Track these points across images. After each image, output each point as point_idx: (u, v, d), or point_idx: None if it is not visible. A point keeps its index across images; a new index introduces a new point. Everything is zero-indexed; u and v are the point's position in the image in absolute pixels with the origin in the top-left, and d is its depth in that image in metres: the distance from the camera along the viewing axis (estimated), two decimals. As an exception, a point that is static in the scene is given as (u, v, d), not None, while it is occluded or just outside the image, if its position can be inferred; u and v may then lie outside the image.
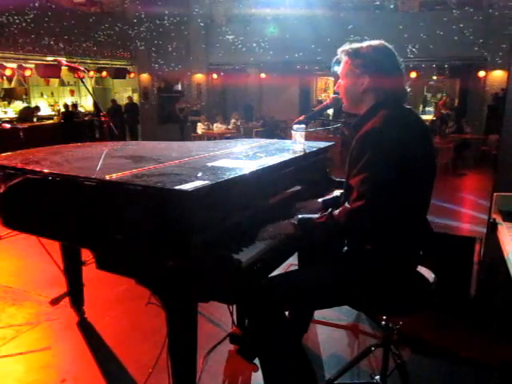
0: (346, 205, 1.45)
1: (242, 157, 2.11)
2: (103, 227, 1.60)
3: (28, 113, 11.19)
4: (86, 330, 2.64)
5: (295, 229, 1.60)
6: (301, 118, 2.11)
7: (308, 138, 2.28)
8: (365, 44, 1.59)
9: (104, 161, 2.03)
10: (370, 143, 1.44)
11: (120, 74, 12.59)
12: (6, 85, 12.28)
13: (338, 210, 1.48)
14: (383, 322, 1.84)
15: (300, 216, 1.61)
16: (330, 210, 1.52)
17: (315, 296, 1.62)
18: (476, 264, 2.68)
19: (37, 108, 11.71)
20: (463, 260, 2.67)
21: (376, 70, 1.55)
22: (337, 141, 8.68)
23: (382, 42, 1.60)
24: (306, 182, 2.15)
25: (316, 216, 1.55)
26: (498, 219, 2.18)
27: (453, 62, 11.38)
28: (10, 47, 9.74)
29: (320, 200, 1.97)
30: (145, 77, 13.52)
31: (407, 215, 1.51)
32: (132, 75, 12.98)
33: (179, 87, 14.04)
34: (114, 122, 3.48)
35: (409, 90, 1.63)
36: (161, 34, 12.33)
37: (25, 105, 11.98)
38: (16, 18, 9.53)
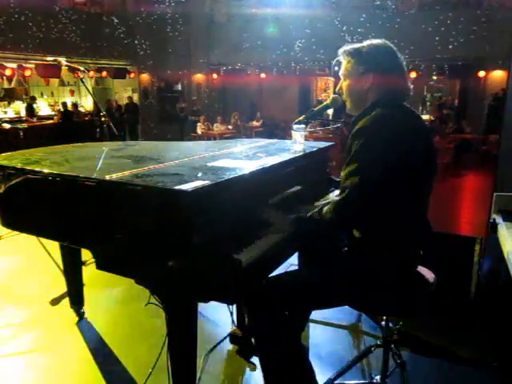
0: (334, 197, 1.48)
1: (242, 157, 2.11)
2: (103, 227, 1.60)
3: (29, 107, 11.28)
4: (86, 330, 2.64)
5: (294, 226, 1.63)
6: (301, 118, 2.11)
7: (308, 138, 2.28)
8: (366, 43, 1.58)
9: (104, 161, 2.03)
10: (359, 139, 1.45)
11: (120, 74, 12.59)
12: (6, 85, 12.30)
13: (327, 206, 1.51)
14: (383, 322, 1.84)
15: (300, 214, 1.64)
16: (321, 205, 1.54)
17: (315, 296, 1.62)
18: (476, 264, 2.68)
19: (32, 98, 11.77)
20: (463, 260, 2.67)
21: (379, 67, 1.54)
22: (337, 141, 8.65)
23: (384, 40, 1.59)
24: (305, 182, 2.15)
25: (309, 214, 1.58)
26: (498, 219, 2.18)
27: (453, 62, 11.38)
28: (10, 47, 9.74)
29: (319, 204, 1.97)
30: (145, 77, 13.52)
31: (406, 215, 1.50)
32: (132, 75, 12.98)
33: (179, 87, 14.04)
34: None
35: (411, 86, 1.61)
36: (161, 34, 12.34)
37: (25, 105, 12.01)
38: (16, 17, 9.54)
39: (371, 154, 1.41)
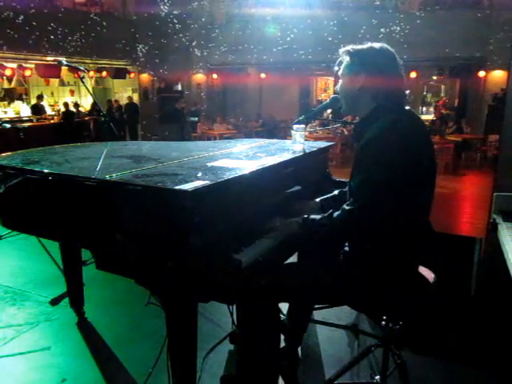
0: (345, 206, 1.47)
1: (242, 157, 2.11)
2: (103, 227, 1.60)
3: (37, 106, 11.27)
4: (86, 330, 2.64)
5: (299, 228, 1.62)
6: (301, 118, 2.11)
7: (308, 138, 2.28)
8: (366, 46, 1.59)
9: (104, 161, 2.03)
10: (371, 150, 1.46)
11: (120, 73, 12.61)
12: (6, 85, 12.30)
13: (337, 212, 1.50)
14: (383, 322, 1.83)
15: (305, 216, 1.62)
16: (330, 211, 1.53)
17: (315, 296, 1.62)
18: (476, 264, 2.68)
19: (39, 97, 11.77)
20: (463, 260, 2.67)
21: (374, 69, 1.55)
22: (337, 141, 8.68)
23: (384, 44, 1.60)
24: (305, 182, 2.15)
25: (318, 217, 1.56)
26: (498, 219, 2.18)
27: (453, 62, 11.38)
28: (10, 47, 9.74)
29: (318, 200, 1.97)
30: (145, 77, 13.52)
31: (408, 218, 1.50)
32: (132, 75, 12.99)
33: (179, 87, 14.04)
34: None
35: (408, 91, 1.63)
36: (161, 34, 12.33)
37: (25, 105, 12.00)
38: (16, 17, 9.53)
39: (385, 164, 1.42)
